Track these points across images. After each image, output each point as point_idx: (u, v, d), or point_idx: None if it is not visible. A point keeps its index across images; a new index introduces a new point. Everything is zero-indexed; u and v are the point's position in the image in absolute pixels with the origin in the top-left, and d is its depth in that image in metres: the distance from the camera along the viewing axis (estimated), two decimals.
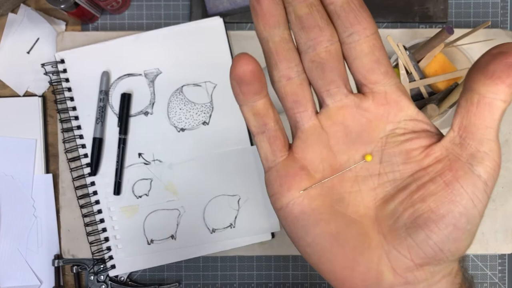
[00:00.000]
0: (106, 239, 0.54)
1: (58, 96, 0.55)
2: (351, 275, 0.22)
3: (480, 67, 0.19)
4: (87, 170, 0.54)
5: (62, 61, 0.55)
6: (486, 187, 0.20)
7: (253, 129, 0.23)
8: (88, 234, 0.54)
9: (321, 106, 0.23)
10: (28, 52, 0.57)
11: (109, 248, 0.54)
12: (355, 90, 0.23)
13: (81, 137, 0.54)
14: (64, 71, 0.55)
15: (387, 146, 0.22)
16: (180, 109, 0.55)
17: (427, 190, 0.21)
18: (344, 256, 0.22)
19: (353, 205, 0.22)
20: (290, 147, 0.24)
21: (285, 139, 0.23)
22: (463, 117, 0.20)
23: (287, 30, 0.21)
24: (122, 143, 0.54)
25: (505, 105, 0.19)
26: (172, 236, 0.54)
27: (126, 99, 0.54)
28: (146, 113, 0.55)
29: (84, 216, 0.54)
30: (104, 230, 0.54)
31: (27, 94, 0.57)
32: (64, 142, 0.55)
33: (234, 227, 0.54)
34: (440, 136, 0.22)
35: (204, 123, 0.55)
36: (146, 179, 0.55)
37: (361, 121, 0.22)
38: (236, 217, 0.54)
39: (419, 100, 0.50)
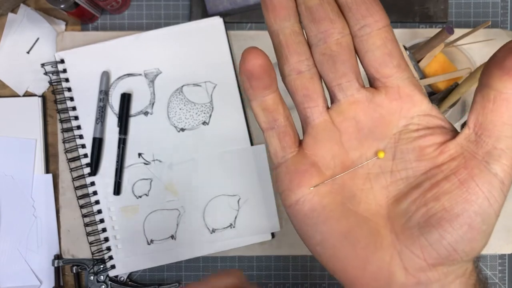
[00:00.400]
0: (106, 239, 0.54)
1: (58, 96, 0.55)
2: (362, 274, 0.21)
3: (497, 62, 0.18)
4: (87, 170, 0.54)
5: (62, 61, 0.55)
6: (502, 185, 0.19)
7: (262, 125, 0.23)
8: (88, 234, 0.54)
9: (332, 101, 0.22)
10: (28, 52, 0.57)
11: (109, 248, 0.54)
12: (367, 85, 0.22)
13: (81, 137, 0.54)
14: (64, 71, 0.55)
15: (400, 143, 0.21)
16: (180, 109, 0.55)
17: (441, 189, 0.20)
18: (355, 255, 0.21)
19: (365, 202, 0.22)
20: (300, 143, 0.23)
21: (295, 135, 0.23)
22: (478, 113, 0.20)
23: (297, 23, 0.21)
24: (122, 143, 0.54)
25: None
26: (172, 236, 0.54)
27: (126, 99, 0.54)
28: (146, 113, 0.55)
29: (84, 216, 0.54)
30: (104, 230, 0.54)
31: (27, 94, 0.57)
32: (64, 142, 0.55)
33: (234, 227, 0.54)
34: (454, 133, 0.21)
35: (204, 123, 0.55)
36: (146, 179, 0.54)
37: (374, 116, 0.21)
38: (236, 217, 0.54)
39: None
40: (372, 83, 0.22)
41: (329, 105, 0.22)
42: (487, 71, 0.19)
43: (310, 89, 0.22)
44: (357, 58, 0.21)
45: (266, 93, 0.22)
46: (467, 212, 0.19)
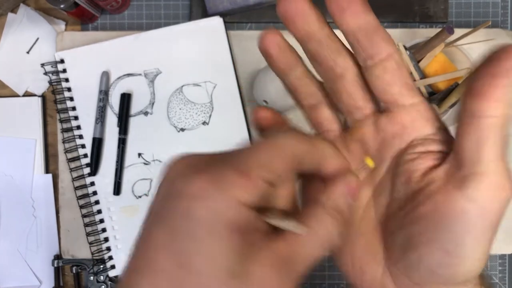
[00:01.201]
0: (106, 239, 0.54)
1: (57, 96, 0.55)
2: (360, 283, 0.23)
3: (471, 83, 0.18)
4: (87, 170, 0.54)
5: (62, 61, 0.55)
6: (483, 211, 0.18)
7: None
8: (88, 234, 0.54)
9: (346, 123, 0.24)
10: (27, 52, 0.57)
11: (108, 248, 0.54)
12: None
13: (80, 137, 0.54)
14: (64, 71, 0.55)
15: (396, 165, 0.22)
16: (180, 109, 0.55)
17: (418, 213, 0.20)
18: (353, 264, 0.23)
19: (363, 218, 0.23)
20: None
21: None
22: (460, 136, 0.19)
23: (300, 67, 0.23)
24: (122, 143, 0.54)
25: (498, 121, 0.17)
26: None
27: (126, 99, 0.54)
28: (146, 113, 0.55)
29: (83, 216, 0.54)
30: (103, 230, 0.54)
31: (27, 94, 0.57)
32: (63, 142, 0.54)
33: None
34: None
35: (204, 123, 0.55)
36: (146, 179, 0.54)
37: (378, 139, 0.22)
38: None
39: None
40: (382, 107, 0.23)
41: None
42: (464, 91, 0.19)
43: (322, 118, 0.24)
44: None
45: (280, 128, 0.24)
46: (441, 239, 0.19)
